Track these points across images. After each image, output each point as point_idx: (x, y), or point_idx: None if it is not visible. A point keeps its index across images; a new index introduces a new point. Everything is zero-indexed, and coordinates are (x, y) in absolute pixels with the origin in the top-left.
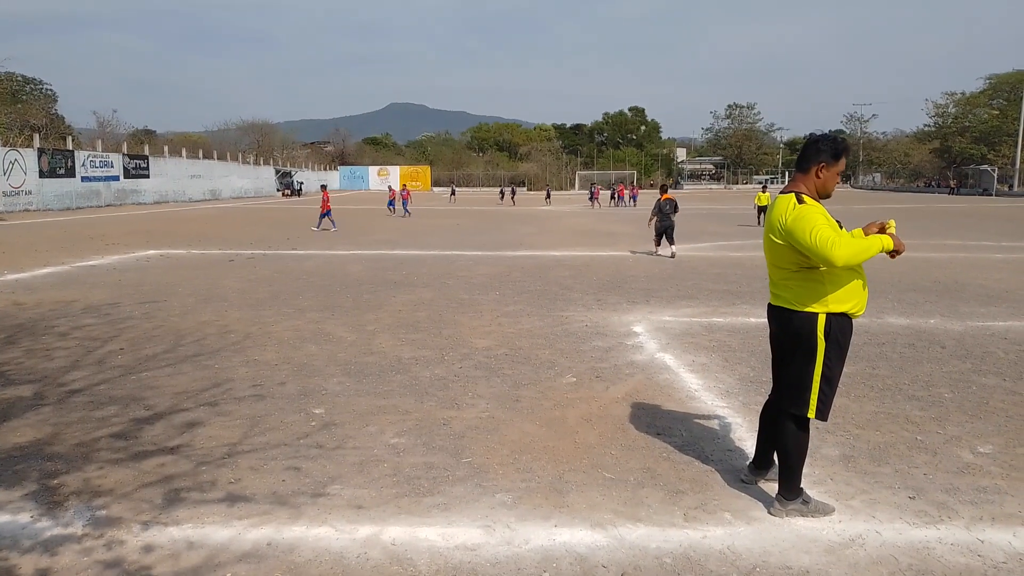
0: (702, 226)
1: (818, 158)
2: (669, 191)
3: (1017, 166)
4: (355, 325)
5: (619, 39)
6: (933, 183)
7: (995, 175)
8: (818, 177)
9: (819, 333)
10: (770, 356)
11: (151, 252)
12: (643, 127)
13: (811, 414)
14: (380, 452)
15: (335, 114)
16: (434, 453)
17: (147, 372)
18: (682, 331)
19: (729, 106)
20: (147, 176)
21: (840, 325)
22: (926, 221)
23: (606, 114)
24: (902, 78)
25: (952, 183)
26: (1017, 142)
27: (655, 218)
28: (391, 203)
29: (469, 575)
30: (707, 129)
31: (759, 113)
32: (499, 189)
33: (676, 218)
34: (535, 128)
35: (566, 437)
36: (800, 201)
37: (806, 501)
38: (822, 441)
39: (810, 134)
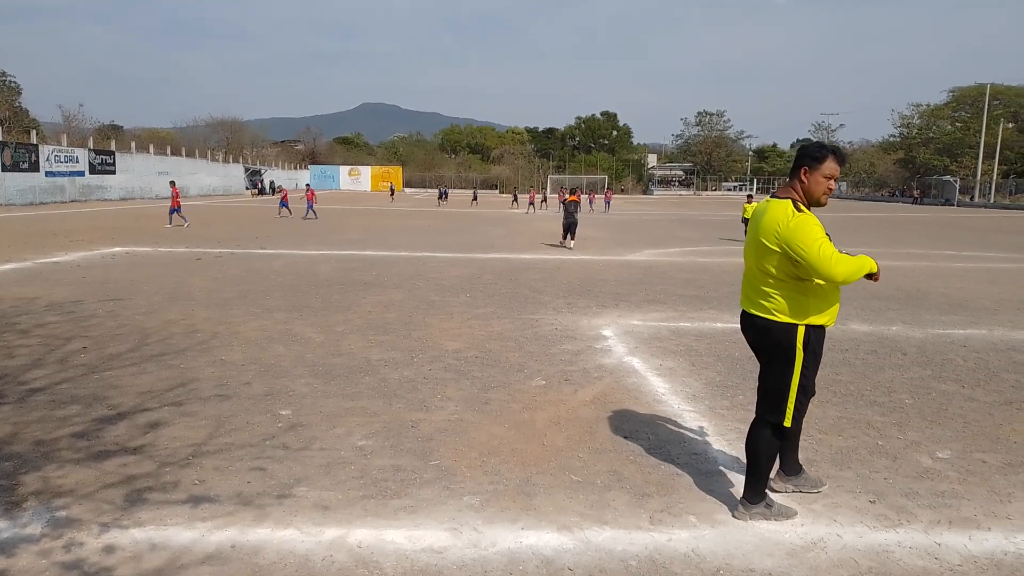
0: (672, 231)
1: (801, 162)
2: (576, 194)
3: (978, 177)
4: (324, 326)
5: (592, 43)
6: (897, 192)
7: (957, 186)
8: (802, 180)
9: (799, 344)
10: (734, 362)
11: (116, 249)
12: (615, 132)
13: (787, 423)
14: (347, 454)
15: (306, 113)
16: (402, 455)
17: (110, 371)
18: (650, 335)
19: (699, 113)
20: (113, 172)
21: (817, 336)
22: (890, 230)
23: (579, 118)
24: (869, 89)
25: (916, 193)
26: (979, 154)
27: (563, 215)
28: (284, 203)
29: None
30: (677, 135)
31: (728, 120)
32: (438, 191)
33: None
34: (508, 131)
35: (534, 440)
36: (798, 209)
37: (769, 505)
38: None
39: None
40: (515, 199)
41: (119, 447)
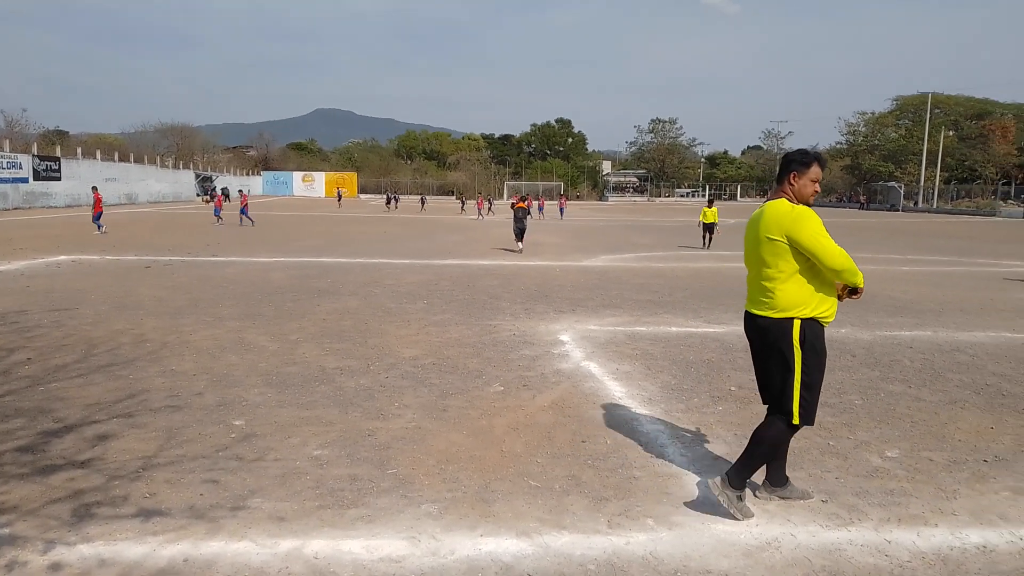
0: (627, 237)
1: (789, 168)
2: (525, 202)
3: (922, 183)
4: (277, 334)
5: (546, 51)
6: (844, 198)
7: (902, 192)
8: (791, 184)
9: (795, 341)
10: (688, 365)
11: (62, 258)
12: (570, 139)
13: (795, 420)
14: (303, 464)
15: (259, 118)
16: (358, 464)
17: (56, 383)
18: (607, 340)
19: (652, 120)
20: (58, 179)
21: (813, 331)
22: (838, 235)
23: (534, 125)
24: (817, 97)
25: (862, 199)
26: (922, 161)
27: (514, 220)
28: (217, 211)
29: None
30: (631, 143)
31: (681, 128)
32: (386, 196)
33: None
34: (464, 137)
35: (493, 446)
36: (796, 203)
37: (741, 497)
38: (740, 447)
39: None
40: (463, 205)
41: (66, 461)
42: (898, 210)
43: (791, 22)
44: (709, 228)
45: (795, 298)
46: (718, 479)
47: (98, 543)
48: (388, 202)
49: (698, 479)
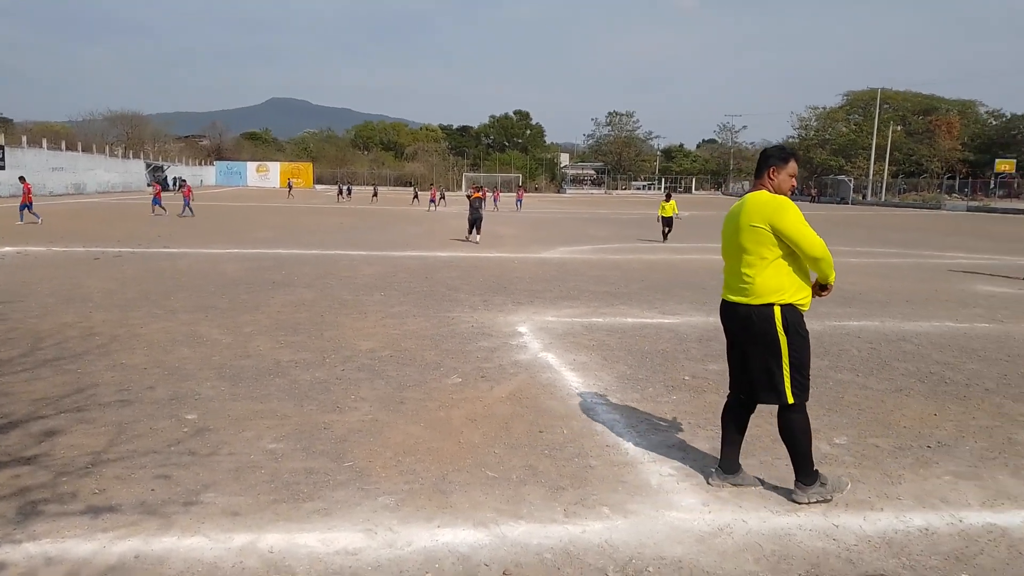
0: (584, 230)
1: (768, 163)
2: (481, 191)
3: (871, 177)
4: (231, 327)
5: (504, 42)
6: (796, 191)
7: (851, 185)
8: (771, 179)
9: (778, 326)
10: (644, 355)
11: (6, 249)
12: (528, 131)
13: (790, 400)
14: (257, 458)
15: (212, 107)
16: (314, 458)
17: (1, 377)
18: (564, 331)
19: (609, 113)
20: (2, 167)
21: (794, 315)
22: None
23: (492, 117)
24: (770, 92)
25: (813, 192)
26: (871, 155)
27: (469, 210)
28: (156, 200)
29: None
30: (589, 135)
31: (638, 121)
32: (338, 187)
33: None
34: (422, 128)
35: (450, 437)
36: (776, 193)
37: (824, 483)
38: (694, 436)
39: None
40: (416, 196)
41: (11, 457)
42: (848, 203)
43: (747, 17)
44: (667, 222)
45: (774, 284)
46: (796, 492)
47: (45, 541)
48: (340, 193)
49: (655, 466)
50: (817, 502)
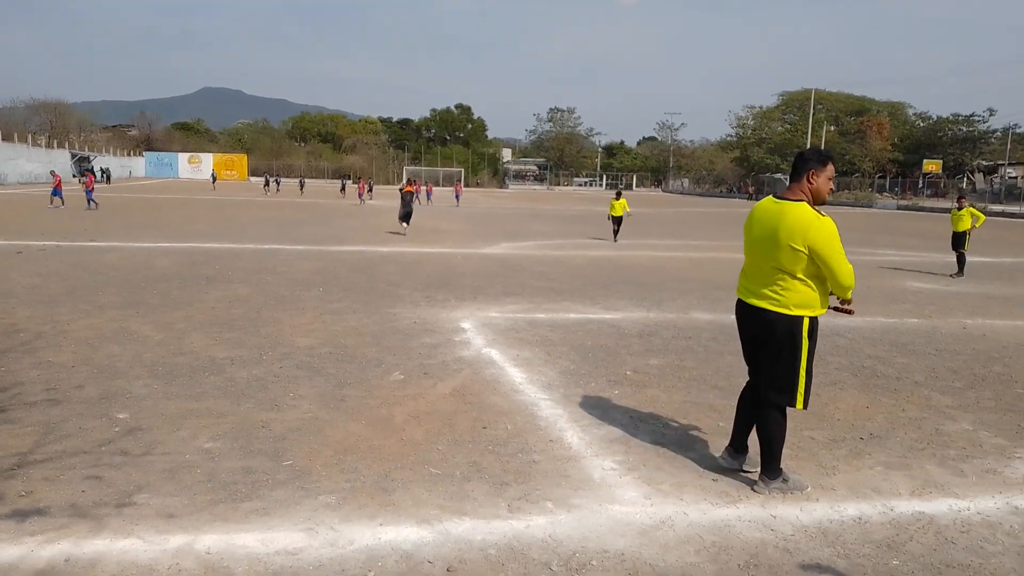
0: (527, 226)
1: (807, 166)
2: (414, 185)
3: None
4: (163, 323)
5: (443, 36)
6: (734, 189)
7: (787, 183)
8: (810, 183)
9: (804, 334)
10: (586, 351)
11: None
12: (470, 125)
13: (799, 406)
14: (193, 457)
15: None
16: (252, 457)
17: None
18: (507, 327)
19: (551, 109)
20: None
21: (815, 326)
22: (728, 224)
23: (433, 110)
24: (709, 90)
25: (750, 190)
26: None
27: (401, 204)
28: (56, 192)
29: None
30: (531, 131)
31: (579, 118)
32: (264, 178)
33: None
34: (361, 120)
35: (392, 435)
36: (821, 213)
37: (785, 479)
38: (636, 430)
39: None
40: (343, 188)
41: None
42: None
43: (685, 14)
44: (618, 221)
45: (807, 299)
46: (759, 483)
47: None
48: (266, 184)
49: (598, 460)
50: (783, 495)
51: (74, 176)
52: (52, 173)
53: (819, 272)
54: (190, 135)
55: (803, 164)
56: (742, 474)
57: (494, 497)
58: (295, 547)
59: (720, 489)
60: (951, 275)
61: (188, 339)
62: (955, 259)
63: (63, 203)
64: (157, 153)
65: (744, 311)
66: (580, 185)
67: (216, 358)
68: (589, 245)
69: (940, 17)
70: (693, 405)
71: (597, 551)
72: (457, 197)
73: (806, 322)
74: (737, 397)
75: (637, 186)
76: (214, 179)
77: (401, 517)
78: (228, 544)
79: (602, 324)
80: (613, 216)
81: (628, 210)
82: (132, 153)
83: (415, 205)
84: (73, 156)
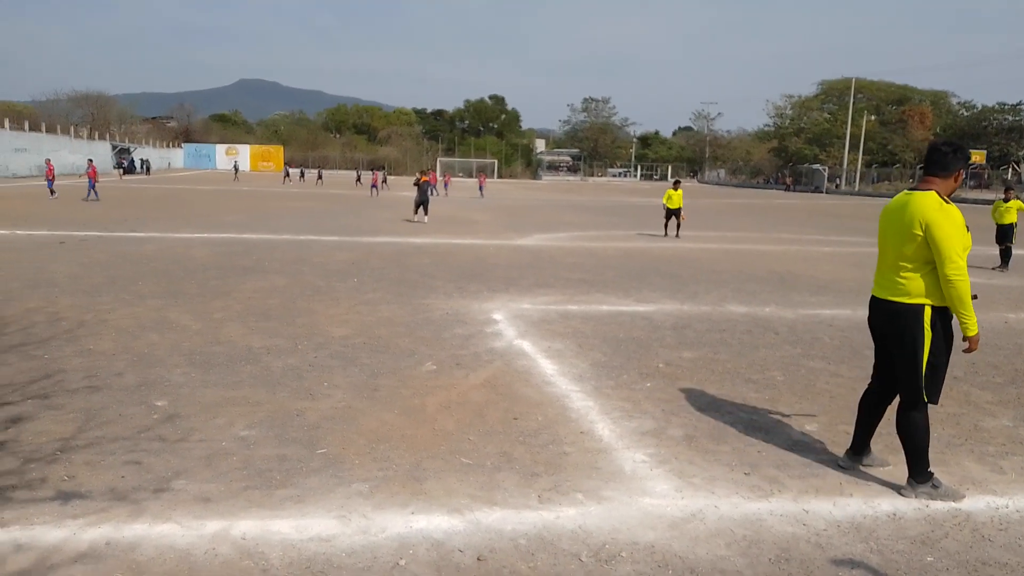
0: (560, 216)
1: (958, 164)
2: (430, 175)
3: (845, 166)
4: (201, 313)
5: (477, 27)
6: (771, 180)
7: (826, 174)
8: (955, 181)
9: (926, 324)
10: (619, 343)
11: None
12: (503, 116)
13: (925, 398)
14: (229, 445)
15: (179, 88)
16: (287, 445)
17: None
18: (539, 318)
19: (585, 100)
20: None
21: (943, 318)
22: (764, 216)
23: (467, 101)
24: (746, 80)
25: (788, 181)
26: (845, 144)
27: (417, 192)
28: (50, 183)
29: (324, 566)
30: (564, 121)
31: (614, 107)
32: (285, 169)
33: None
34: (395, 111)
35: (424, 425)
36: (947, 202)
37: (936, 485)
38: (668, 423)
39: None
40: (359, 178)
41: None
42: (822, 192)
43: (721, 3)
44: (675, 213)
45: (925, 286)
46: (906, 487)
47: (14, 528)
48: (286, 176)
49: (629, 453)
50: (931, 501)
51: (115, 167)
52: (47, 162)
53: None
54: (227, 127)
55: (957, 162)
56: (869, 470)
57: (524, 488)
58: (328, 534)
59: (752, 483)
60: (994, 268)
61: (225, 328)
62: (999, 252)
63: (54, 193)
64: (195, 144)
65: (873, 305)
66: (615, 176)
67: (252, 347)
68: (621, 236)
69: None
70: (726, 399)
71: (627, 543)
72: (481, 188)
73: (928, 311)
74: (771, 390)
75: (672, 177)
76: (236, 169)
77: (432, 506)
78: (263, 530)
79: (635, 316)
80: (669, 208)
81: (682, 205)
82: (171, 145)
83: (432, 196)
84: (114, 147)
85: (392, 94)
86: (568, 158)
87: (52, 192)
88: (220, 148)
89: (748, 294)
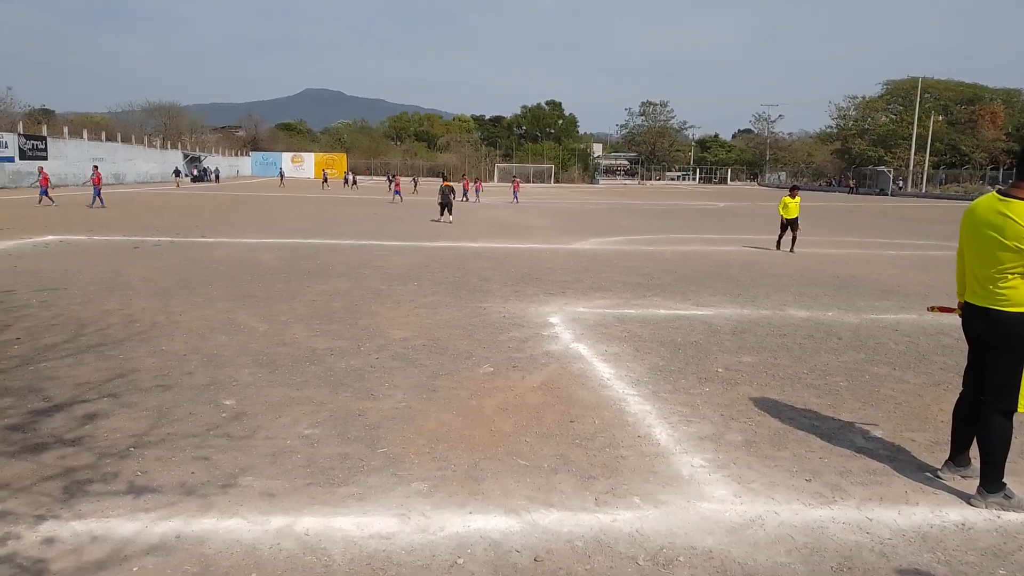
0: (617, 220)
1: None
2: (449, 181)
3: (911, 168)
4: (267, 315)
5: (536, 33)
6: (834, 182)
7: (891, 176)
8: None
9: None
10: (676, 347)
11: (49, 238)
12: (560, 121)
13: (1021, 408)
14: (293, 443)
15: (247, 98)
16: (349, 443)
17: (45, 362)
18: (596, 322)
19: (643, 103)
20: (45, 158)
21: None
22: (827, 219)
23: (524, 107)
24: (807, 81)
25: (851, 183)
26: (911, 145)
27: (439, 195)
28: (44, 191)
29: (384, 563)
30: (622, 125)
31: (672, 111)
32: (324, 173)
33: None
34: (454, 119)
35: (482, 426)
36: None
37: (1008, 496)
38: (726, 427)
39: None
40: (390, 184)
41: (56, 439)
42: (887, 194)
43: (782, 5)
44: (792, 224)
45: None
46: (976, 496)
47: (90, 520)
48: (325, 181)
49: (686, 458)
50: (1002, 511)
51: (186, 176)
52: (40, 170)
53: None
54: (293, 135)
55: None
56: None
57: (581, 490)
58: (388, 532)
59: (813, 489)
60: None
61: (290, 330)
62: None
63: (48, 201)
64: (262, 153)
65: (969, 312)
66: (673, 179)
67: (316, 349)
68: (679, 240)
69: None
70: (787, 404)
71: (684, 547)
72: (515, 194)
73: None
74: (833, 395)
75: (732, 180)
76: (281, 176)
77: (490, 506)
78: (326, 527)
79: (693, 320)
80: (786, 218)
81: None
82: (239, 153)
83: (462, 201)
84: (185, 156)
85: (452, 102)
86: (625, 162)
87: (99, 200)
88: (286, 156)
89: (810, 298)
